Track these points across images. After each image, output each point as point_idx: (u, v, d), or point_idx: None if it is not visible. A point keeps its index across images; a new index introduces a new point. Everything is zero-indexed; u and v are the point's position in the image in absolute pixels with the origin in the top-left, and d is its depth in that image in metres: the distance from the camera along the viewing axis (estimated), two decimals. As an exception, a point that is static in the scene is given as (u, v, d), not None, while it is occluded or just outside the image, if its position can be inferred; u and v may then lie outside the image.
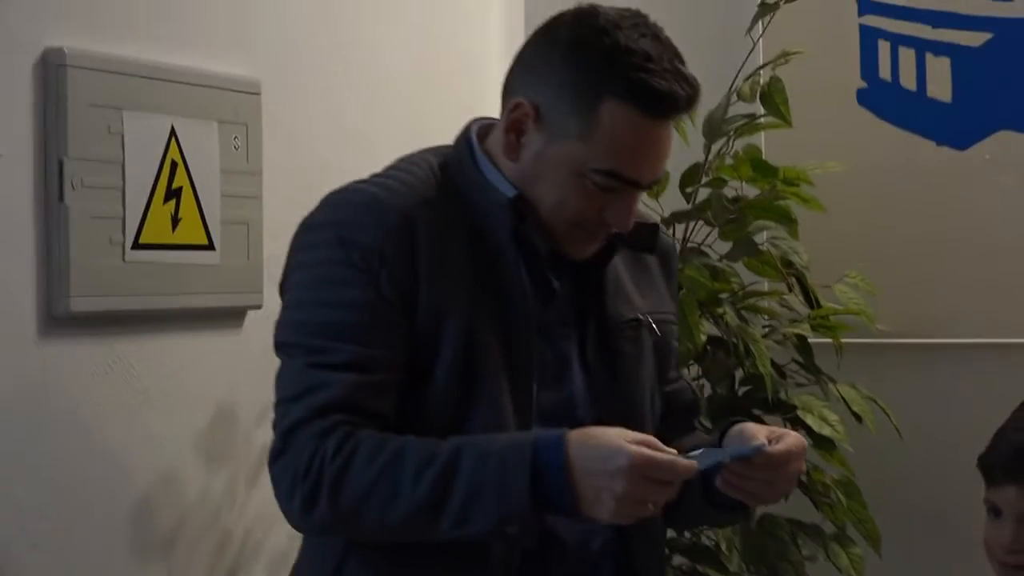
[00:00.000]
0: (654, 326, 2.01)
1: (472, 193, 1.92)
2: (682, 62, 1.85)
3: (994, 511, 2.47)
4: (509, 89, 1.91)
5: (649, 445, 1.77)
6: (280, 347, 1.90)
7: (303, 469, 1.80)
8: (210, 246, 2.37)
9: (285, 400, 1.87)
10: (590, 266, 1.97)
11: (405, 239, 1.85)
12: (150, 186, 2.26)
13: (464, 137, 1.98)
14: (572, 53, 1.85)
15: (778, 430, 1.90)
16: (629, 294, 2.02)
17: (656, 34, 1.85)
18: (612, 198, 1.87)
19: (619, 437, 1.76)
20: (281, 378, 1.89)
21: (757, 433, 1.87)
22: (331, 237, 1.88)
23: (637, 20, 1.86)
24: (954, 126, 3.01)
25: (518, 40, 3.29)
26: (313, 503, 1.80)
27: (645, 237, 2.01)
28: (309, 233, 1.92)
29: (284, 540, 2.48)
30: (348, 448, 1.80)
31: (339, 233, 1.87)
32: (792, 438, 1.88)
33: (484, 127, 1.98)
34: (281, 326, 1.91)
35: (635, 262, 2.05)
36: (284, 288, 1.93)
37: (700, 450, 1.86)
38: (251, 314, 2.48)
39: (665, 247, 2.11)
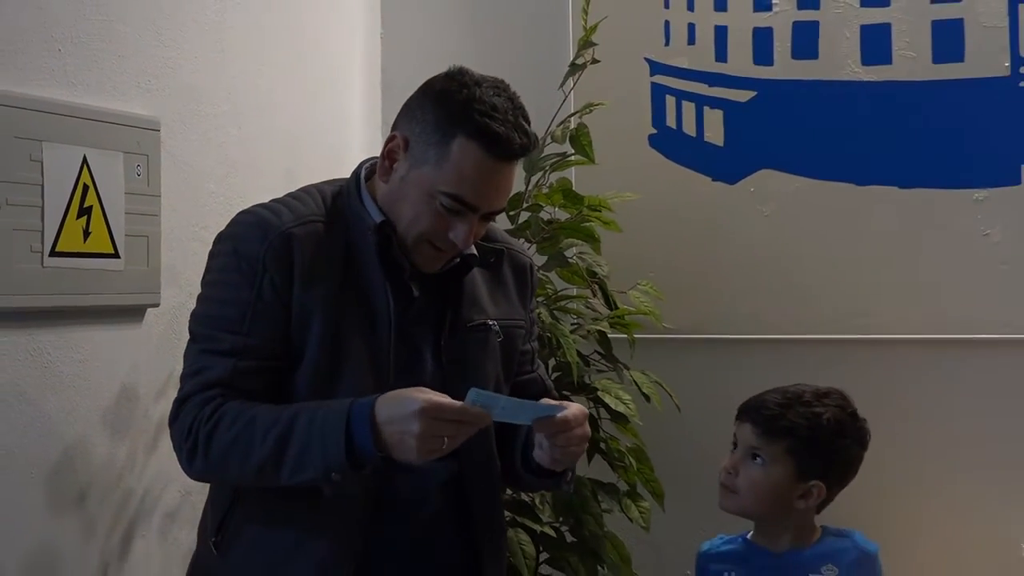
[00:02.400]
0: (499, 330, 2.10)
1: (351, 218, 2.01)
2: (526, 120, 1.95)
3: (734, 444, 2.62)
4: (392, 127, 2.01)
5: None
6: (190, 332, 1.99)
7: (187, 431, 1.92)
8: (116, 254, 2.37)
9: (184, 376, 1.96)
10: (449, 278, 2.06)
11: (284, 252, 1.94)
12: (65, 204, 2.26)
13: (355, 172, 2.07)
14: (438, 100, 1.95)
15: (564, 403, 1.95)
16: (483, 303, 2.09)
17: (510, 97, 1.95)
18: (456, 220, 1.95)
19: (417, 391, 1.82)
20: (185, 357, 1.98)
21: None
22: (229, 248, 1.98)
23: (497, 84, 1.96)
24: (726, 165, 3.05)
25: (376, 97, 3.29)
26: (193, 456, 1.93)
27: (494, 258, 2.10)
28: (217, 244, 2.02)
29: (177, 497, 2.57)
30: (217, 415, 1.91)
31: (234, 245, 1.97)
32: (575, 407, 1.94)
33: (374, 164, 2.06)
34: (191, 316, 2.00)
35: (494, 277, 2.13)
36: (201, 284, 2.02)
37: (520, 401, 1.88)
38: (150, 311, 2.49)
39: (520, 265, 2.19)
